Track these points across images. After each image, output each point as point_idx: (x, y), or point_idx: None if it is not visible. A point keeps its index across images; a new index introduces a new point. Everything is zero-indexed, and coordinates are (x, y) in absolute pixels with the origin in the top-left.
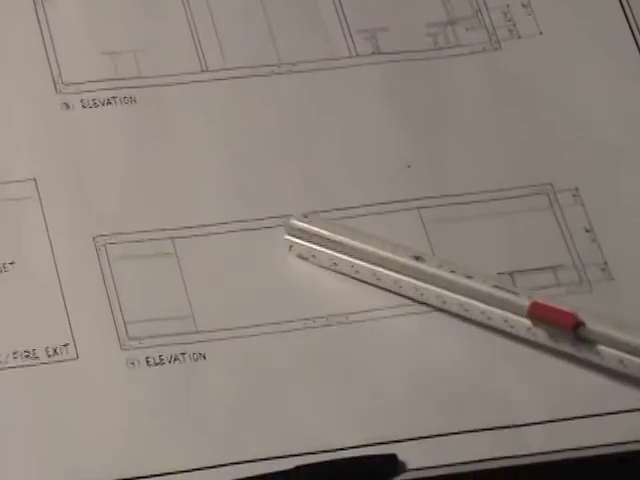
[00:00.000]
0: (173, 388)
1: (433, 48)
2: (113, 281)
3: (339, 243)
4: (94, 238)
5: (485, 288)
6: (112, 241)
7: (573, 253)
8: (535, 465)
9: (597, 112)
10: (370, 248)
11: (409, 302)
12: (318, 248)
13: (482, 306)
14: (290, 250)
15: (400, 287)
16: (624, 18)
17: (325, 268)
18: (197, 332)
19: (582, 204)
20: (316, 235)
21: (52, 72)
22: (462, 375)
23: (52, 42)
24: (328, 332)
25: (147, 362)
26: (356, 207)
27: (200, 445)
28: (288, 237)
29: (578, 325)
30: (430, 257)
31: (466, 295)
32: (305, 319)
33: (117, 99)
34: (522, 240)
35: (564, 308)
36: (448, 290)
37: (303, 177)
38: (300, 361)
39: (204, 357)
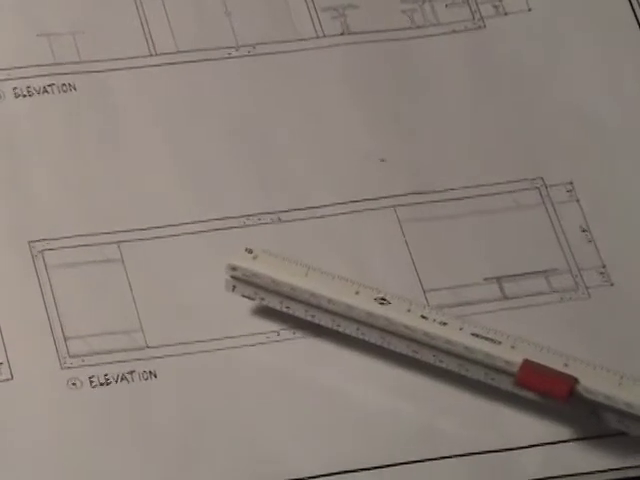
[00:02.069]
0: (120, 411)
1: (409, 27)
2: (52, 291)
3: (290, 285)
4: (30, 243)
5: (462, 338)
6: (50, 246)
7: (568, 255)
8: None
9: (592, 96)
10: (327, 293)
11: None
12: (266, 290)
13: (459, 360)
14: (233, 291)
15: (363, 334)
16: None
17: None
18: (147, 348)
19: (577, 200)
20: (263, 277)
21: None
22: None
23: None
24: (295, 346)
25: (91, 382)
26: (324, 206)
27: (151, 475)
28: (230, 278)
29: (571, 395)
30: (397, 299)
31: (441, 347)
32: (268, 332)
33: (55, 87)
34: (510, 241)
35: (557, 376)
36: (419, 343)
37: (263, 172)
38: (263, 379)
39: (155, 376)
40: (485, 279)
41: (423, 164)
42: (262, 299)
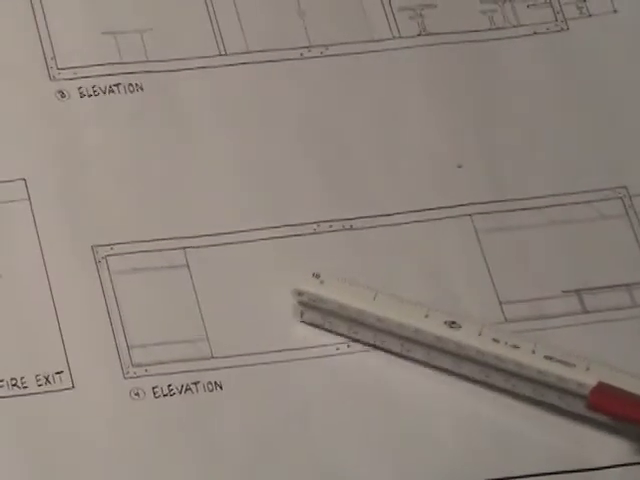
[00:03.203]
0: (184, 423)
1: (489, 28)
2: (115, 298)
3: (357, 310)
4: (93, 248)
5: (535, 362)
6: (114, 252)
7: None
8: None
9: None
10: (395, 317)
11: None
12: (334, 316)
13: (532, 384)
14: (302, 317)
15: (434, 359)
16: None
17: (344, 336)
18: (212, 358)
19: None
20: (330, 302)
21: (45, 55)
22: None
23: (45, 19)
24: (365, 358)
25: (154, 393)
26: (397, 213)
27: None
28: (297, 304)
29: None
30: (468, 322)
31: (513, 371)
32: (338, 343)
33: (121, 86)
34: (591, 253)
35: (633, 399)
36: (491, 367)
37: (335, 178)
38: (332, 391)
39: (220, 387)
40: (564, 292)
41: (502, 171)
42: (330, 324)
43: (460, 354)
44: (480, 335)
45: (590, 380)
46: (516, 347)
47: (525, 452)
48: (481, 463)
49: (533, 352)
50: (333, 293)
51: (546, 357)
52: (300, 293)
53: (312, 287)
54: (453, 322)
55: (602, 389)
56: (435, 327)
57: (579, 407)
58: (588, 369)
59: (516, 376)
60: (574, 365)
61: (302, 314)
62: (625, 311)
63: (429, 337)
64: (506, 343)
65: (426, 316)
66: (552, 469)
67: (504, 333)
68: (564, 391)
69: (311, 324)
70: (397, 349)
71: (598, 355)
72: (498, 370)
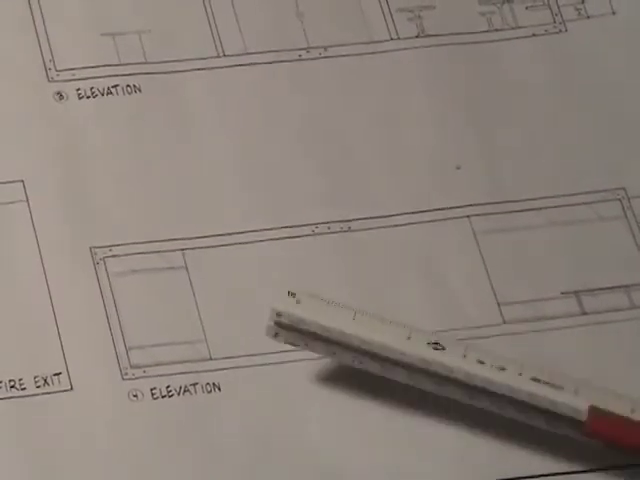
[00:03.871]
0: (182, 424)
1: (487, 30)
2: (113, 299)
3: (336, 331)
4: (91, 249)
5: (523, 385)
6: (113, 253)
7: None
8: None
9: None
10: (377, 338)
11: None
12: (313, 337)
13: (521, 406)
14: (275, 338)
15: (415, 382)
16: None
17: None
18: (211, 359)
19: None
20: (309, 323)
21: (43, 56)
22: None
23: (43, 20)
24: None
25: (152, 394)
26: (396, 215)
27: None
28: (272, 324)
29: None
30: (452, 344)
31: (500, 394)
32: None
33: (119, 88)
34: (590, 254)
35: (629, 424)
36: (476, 390)
37: (334, 179)
38: (331, 393)
39: (218, 388)
40: (563, 293)
41: (500, 172)
42: (306, 345)
43: (445, 376)
44: (465, 357)
45: (580, 404)
46: (503, 369)
47: (530, 452)
48: (483, 463)
49: (520, 374)
50: (311, 313)
51: (533, 379)
52: (279, 314)
53: (289, 309)
54: (436, 343)
55: (596, 415)
56: (419, 349)
57: (571, 432)
58: (577, 392)
59: (505, 400)
60: (562, 388)
61: (276, 335)
62: (623, 312)
63: (413, 359)
64: (492, 365)
65: (408, 338)
66: (558, 470)
67: (488, 354)
68: (553, 415)
69: (287, 343)
70: (376, 371)
71: (597, 356)
72: (485, 393)
